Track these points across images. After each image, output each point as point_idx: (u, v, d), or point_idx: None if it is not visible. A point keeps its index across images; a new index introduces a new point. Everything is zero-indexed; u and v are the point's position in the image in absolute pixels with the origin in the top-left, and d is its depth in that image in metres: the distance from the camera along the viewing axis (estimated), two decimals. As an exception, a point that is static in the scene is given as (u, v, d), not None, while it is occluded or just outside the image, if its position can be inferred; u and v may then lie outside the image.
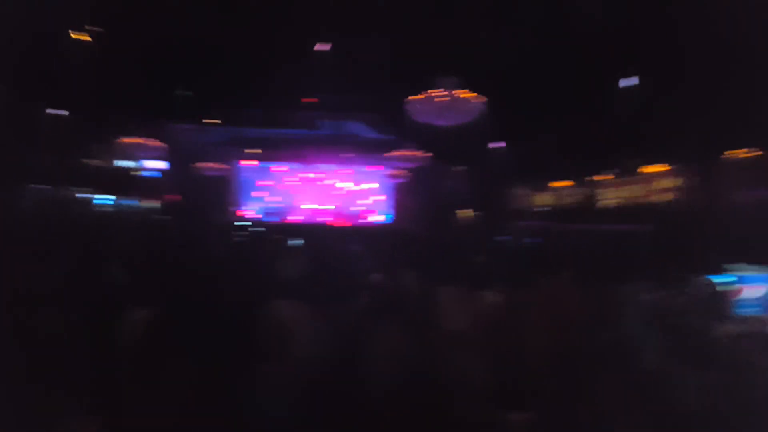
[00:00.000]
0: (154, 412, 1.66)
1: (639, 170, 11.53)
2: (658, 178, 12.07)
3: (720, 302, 4.45)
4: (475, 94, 6.71)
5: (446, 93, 6.42)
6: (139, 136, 13.18)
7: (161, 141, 14.03)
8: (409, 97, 6.80)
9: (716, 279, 5.74)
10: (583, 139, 10.71)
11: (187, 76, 11.75)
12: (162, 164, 18.83)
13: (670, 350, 2.56)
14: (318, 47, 8.65)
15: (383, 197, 18.91)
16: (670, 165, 11.31)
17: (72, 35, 9.14)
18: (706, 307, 3.97)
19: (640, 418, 1.92)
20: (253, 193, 19.60)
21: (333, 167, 18.37)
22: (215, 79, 11.14)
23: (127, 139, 13.13)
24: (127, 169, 19.43)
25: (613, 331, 2.83)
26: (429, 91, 6.66)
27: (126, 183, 18.29)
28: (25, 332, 1.75)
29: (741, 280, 6.23)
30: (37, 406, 1.61)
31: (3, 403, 1.59)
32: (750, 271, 5.79)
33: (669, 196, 11.03)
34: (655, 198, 11.29)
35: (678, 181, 11.22)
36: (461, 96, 6.39)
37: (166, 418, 1.65)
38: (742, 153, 9.37)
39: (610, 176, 13.10)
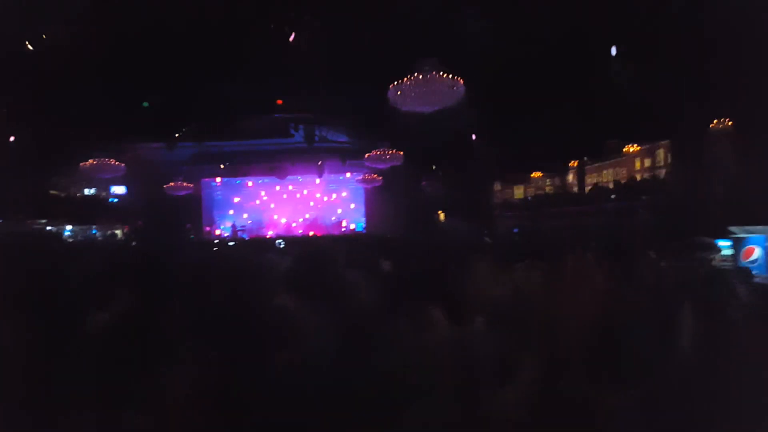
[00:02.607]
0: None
1: (624, 150, 11.39)
2: (642, 156, 12.00)
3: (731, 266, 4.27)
4: (454, 76, 6.38)
5: (426, 75, 6.07)
6: (102, 157, 12.53)
7: (125, 162, 13.40)
8: (391, 85, 6.42)
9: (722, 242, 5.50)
10: (564, 124, 10.52)
11: (150, 90, 11.16)
12: (126, 187, 18.14)
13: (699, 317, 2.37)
14: (287, 42, 8.16)
15: (356, 205, 18.63)
16: (653, 142, 11.23)
17: (28, 47, 8.49)
18: (719, 273, 3.74)
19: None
20: (225, 211, 19.08)
21: (305, 178, 17.98)
22: (179, 91, 10.60)
23: (89, 162, 12.45)
24: (91, 196, 18.66)
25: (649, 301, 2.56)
26: (408, 76, 6.30)
27: (90, 210, 17.51)
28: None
29: (747, 242, 6.02)
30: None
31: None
32: (754, 233, 5.61)
33: (658, 173, 10.93)
34: (644, 175, 11.17)
35: (664, 157, 11.14)
36: (441, 77, 6.05)
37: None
38: (721, 124, 9.29)
39: (593, 161, 12.98)
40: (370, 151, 12.44)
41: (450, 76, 6.20)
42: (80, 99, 9.79)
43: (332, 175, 17.66)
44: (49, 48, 8.71)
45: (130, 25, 8.23)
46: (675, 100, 9.04)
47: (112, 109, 10.71)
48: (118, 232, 18.30)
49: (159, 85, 10.34)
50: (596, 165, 13.81)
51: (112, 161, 12.35)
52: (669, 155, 11.64)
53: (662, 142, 12.05)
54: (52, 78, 9.14)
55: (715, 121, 8.92)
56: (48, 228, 16.17)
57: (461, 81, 6.25)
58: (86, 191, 18.84)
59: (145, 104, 9.96)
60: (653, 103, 9.46)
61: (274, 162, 16.07)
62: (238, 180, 18.56)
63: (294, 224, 18.45)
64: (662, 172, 11.42)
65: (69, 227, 17.23)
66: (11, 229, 14.35)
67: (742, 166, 7.98)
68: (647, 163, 12.82)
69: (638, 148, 11.60)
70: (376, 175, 15.32)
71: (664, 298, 2.61)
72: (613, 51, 6.95)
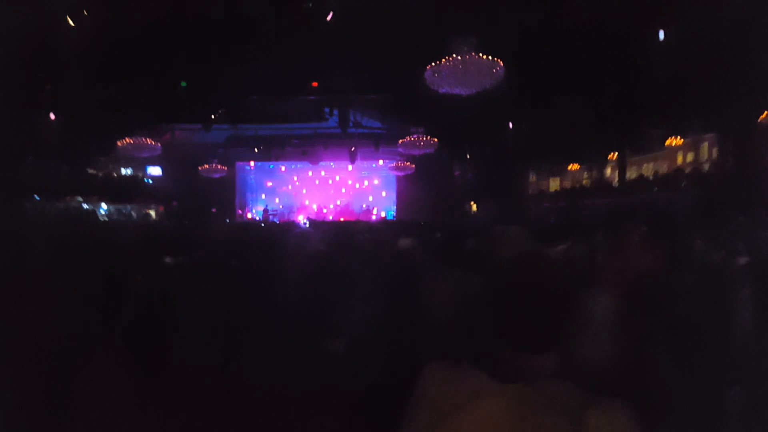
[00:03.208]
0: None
1: (666, 143, 10.95)
2: (685, 150, 11.53)
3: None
4: (493, 57, 6.19)
5: (465, 57, 5.90)
6: (139, 137, 12.75)
7: (162, 143, 13.61)
8: (428, 66, 6.26)
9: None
10: (605, 113, 10.17)
11: (187, 71, 11.25)
12: (162, 168, 18.47)
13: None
14: (324, 22, 8.06)
15: (387, 193, 18.57)
16: (698, 134, 10.76)
17: (70, 23, 8.62)
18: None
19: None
20: (257, 194, 19.28)
21: (338, 164, 17.98)
22: (216, 72, 10.64)
23: (127, 141, 12.68)
24: (127, 176, 19.06)
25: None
26: (447, 57, 6.13)
27: (125, 189, 17.89)
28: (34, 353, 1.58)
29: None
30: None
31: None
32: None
33: (702, 167, 10.47)
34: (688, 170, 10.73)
35: (708, 151, 10.68)
36: (480, 58, 5.87)
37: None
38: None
39: (633, 154, 12.54)
40: (403, 138, 12.32)
41: (489, 57, 6.02)
42: (120, 78, 9.94)
43: (365, 162, 17.61)
44: (90, 25, 8.84)
45: (169, 4, 8.28)
46: (723, 91, 8.63)
47: (150, 90, 10.86)
48: (152, 212, 18.70)
49: (196, 66, 10.42)
50: (636, 158, 13.35)
51: (149, 141, 12.55)
52: (714, 150, 11.16)
53: (707, 135, 11.55)
54: (93, 56, 9.29)
55: (765, 114, 8.48)
56: (84, 206, 16.63)
57: (501, 63, 6.05)
58: (123, 171, 19.26)
59: (184, 84, 10.01)
60: (700, 94, 9.06)
61: (307, 147, 16.09)
62: (271, 165, 18.71)
63: (325, 210, 18.52)
64: (706, 167, 10.96)
65: (104, 206, 17.65)
66: (48, 206, 14.83)
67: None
68: (690, 157, 12.33)
69: (681, 141, 11.13)
70: (408, 163, 15.19)
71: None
72: (661, 35, 6.59)
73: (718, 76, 8.21)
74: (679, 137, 10.97)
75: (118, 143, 12.84)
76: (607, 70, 9.06)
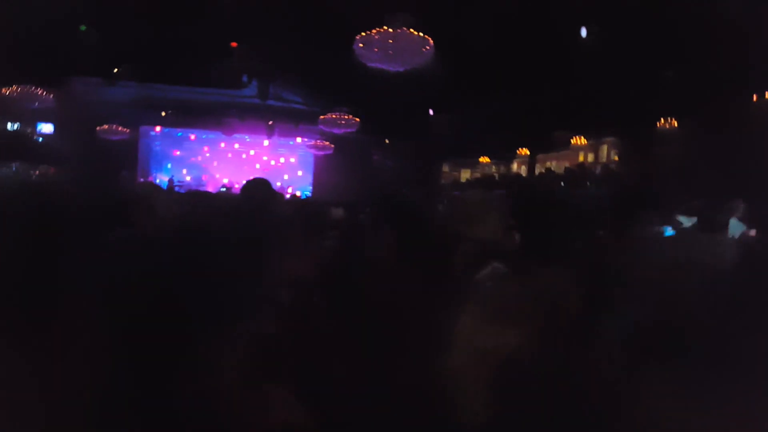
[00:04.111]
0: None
1: (573, 143, 11.67)
2: (587, 151, 12.35)
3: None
4: (425, 35, 6.21)
5: (396, 30, 5.86)
6: (28, 84, 11.47)
7: (56, 96, 12.35)
8: (357, 36, 6.15)
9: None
10: (519, 111, 10.62)
11: (90, 17, 10.22)
12: (54, 126, 16.81)
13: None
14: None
15: (303, 172, 18.23)
16: (601, 137, 11.57)
17: None
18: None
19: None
20: (163, 163, 18.13)
21: (253, 138, 17.33)
22: (123, 21, 9.76)
23: (13, 88, 11.37)
24: (14, 131, 17.17)
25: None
26: (378, 29, 6.06)
27: (12, 146, 16.08)
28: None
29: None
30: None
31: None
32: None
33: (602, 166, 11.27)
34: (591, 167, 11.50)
35: (608, 153, 11.51)
36: (412, 34, 5.87)
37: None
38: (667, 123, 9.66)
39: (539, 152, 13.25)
40: (324, 116, 12.13)
41: (420, 34, 6.03)
42: (10, 17, 8.84)
43: (282, 138, 17.12)
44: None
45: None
46: (626, 95, 9.32)
47: (43, 32, 9.74)
48: (42, 172, 16.99)
49: (102, 11, 9.49)
50: (541, 156, 14.15)
51: (39, 90, 11.32)
52: (613, 152, 12.08)
53: (607, 138, 12.49)
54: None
55: (662, 120, 9.29)
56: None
57: (431, 42, 6.09)
58: (9, 126, 17.32)
59: (83, 28, 9.09)
60: (606, 97, 9.71)
61: (221, 116, 15.30)
62: (179, 132, 17.63)
63: (236, 186, 17.82)
64: (605, 167, 11.84)
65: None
66: None
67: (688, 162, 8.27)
68: (591, 157, 13.26)
69: (585, 141, 11.96)
70: (327, 142, 14.98)
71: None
72: (583, 32, 6.96)
73: (622, 81, 8.85)
74: (582, 138, 11.78)
75: (4, 90, 11.48)
76: (525, 69, 9.46)
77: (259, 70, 11.22)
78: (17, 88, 11.56)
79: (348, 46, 7.28)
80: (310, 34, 8.95)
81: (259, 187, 2.68)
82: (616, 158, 11.34)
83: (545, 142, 12.40)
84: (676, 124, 9.21)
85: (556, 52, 8.70)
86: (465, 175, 15.66)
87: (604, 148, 12.22)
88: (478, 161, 14.67)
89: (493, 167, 14.80)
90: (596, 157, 12.44)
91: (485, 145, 13.16)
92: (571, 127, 12.04)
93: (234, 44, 9.50)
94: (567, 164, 12.50)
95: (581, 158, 12.65)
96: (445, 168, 16.20)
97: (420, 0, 6.84)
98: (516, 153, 13.47)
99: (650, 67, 8.08)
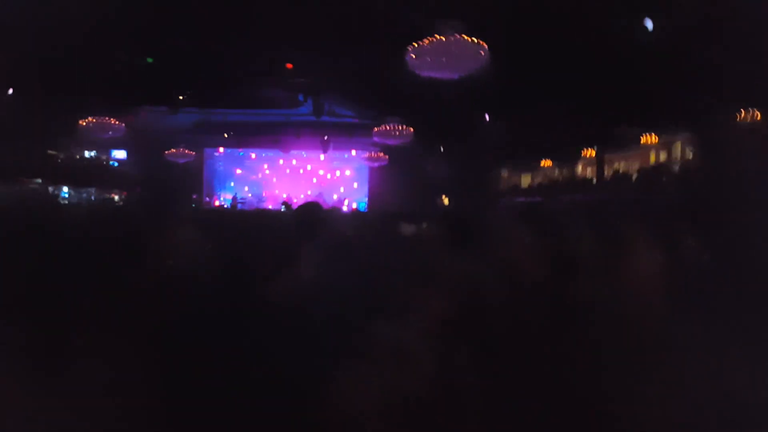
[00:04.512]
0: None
1: (642, 142, 10.99)
2: (658, 150, 11.61)
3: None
4: (478, 40, 5.99)
5: (449, 38, 5.69)
6: (103, 117, 12.17)
7: (127, 124, 13.03)
8: (409, 46, 6.02)
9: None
10: (587, 108, 10.11)
11: (154, 49, 10.72)
12: (126, 152, 17.77)
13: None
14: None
15: (358, 184, 18.32)
16: (673, 134, 10.84)
17: None
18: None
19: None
20: (226, 182, 18.77)
21: (310, 153, 17.62)
22: (184, 53, 10.17)
23: (89, 120, 12.09)
24: (90, 159, 18.27)
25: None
26: (428, 38, 5.91)
27: (88, 173, 17.11)
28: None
29: None
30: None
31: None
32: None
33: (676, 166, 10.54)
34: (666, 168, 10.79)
35: (681, 151, 10.76)
36: (466, 41, 5.67)
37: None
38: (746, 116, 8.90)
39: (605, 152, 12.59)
40: (379, 127, 12.08)
41: (474, 40, 5.82)
42: (83, 53, 9.40)
43: (337, 152, 17.30)
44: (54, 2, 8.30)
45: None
46: (700, 89, 8.65)
47: (115, 67, 10.33)
48: (116, 197, 17.97)
49: (165, 44, 9.93)
50: (607, 156, 13.42)
51: (113, 120, 11.98)
52: (687, 149, 11.27)
53: (680, 135, 11.67)
54: (54, 28, 8.74)
55: (742, 113, 8.55)
56: (44, 189, 15.81)
57: (485, 46, 5.87)
58: (86, 154, 18.45)
59: (150, 60, 9.53)
60: (676, 93, 9.08)
61: (279, 134, 15.67)
62: (241, 152, 18.22)
63: (295, 200, 18.14)
64: (679, 167, 11.06)
65: (65, 189, 16.85)
66: (4, 188, 14.02)
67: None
68: (663, 156, 12.42)
69: (656, 139, 11.21)
70: (381, 154, 14.96)
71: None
72: (649, 25, 6.51)
73: (695, 74, 8.22)
74: (653, 135, 11.04)
75: (81, 122, 12.23)
76: (587, 65, 9.00)
77: (313, 89, 11.35)
78: (93, 119, 12.26)
79: (398, 56, 7.19)
80: (361, 47, 8.93)
81: (309, 212, 2.77)
82: (692, 156, 10.55)
83: (612, 142, 11.76)
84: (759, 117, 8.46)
85: (619, 44, 8.24)
86: (526, 180, 15.12)
87: (678, 146, 11.40)
88: (540, 165, 14.09)
89: (556, 171, 14.19)
90: (669, 156, 11.63)
91: (546, 148, 12.64)
92: (640, 124, 11.36)
93: (289, 66, 9.65)
94: (638, 165, 11.79)
95: (653, 158, 11.87)
96: (504, 173, 15.71)
97: (469, 3, 6.65)
98: (580, 154, 12.82)
99: (727, 57, 7.46)
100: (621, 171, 11.91)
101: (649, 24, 6.42)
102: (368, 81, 10.29)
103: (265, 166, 18.65)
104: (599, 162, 12.03)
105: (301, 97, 11.98)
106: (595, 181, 12.05)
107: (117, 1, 8.53)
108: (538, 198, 11.84)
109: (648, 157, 12.37)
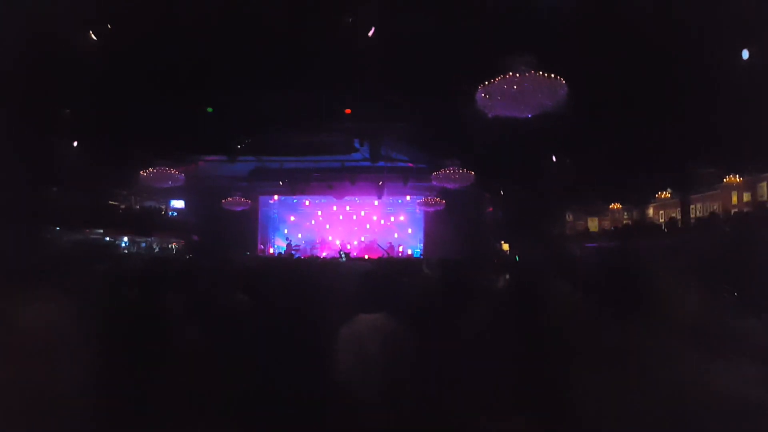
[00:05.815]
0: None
1: (726, 181, 10.12)
2: (740, 190, 10.70)
3: None
4: (553, 75, 5.57)
5: (522, 74, 5.30)
6: (163, 167, 12.38)
7: (185, 174, 13.22)
8: (480, 85, 5.67)
9: None
10: (654, 150, 9.44)
11: (212, 101, 10.89)
12: (184, 201, 18.13)
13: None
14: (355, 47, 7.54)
15: (412, 230, 17.93)
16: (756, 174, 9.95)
17: (88, 51, 8.28)
18: None
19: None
20: (280, 229, 18.77)
21: (363, 199, 17.43)
22: (241, 102, 10.25)
23: (150, 170, 12.30)
24: (149, 208, 18.75)
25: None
26: (500, 76, 5.53)
27: (147, 222, 17.50)
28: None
29: None
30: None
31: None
32: None
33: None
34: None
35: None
36: (541, 76, 5.27)
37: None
38: None
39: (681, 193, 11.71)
40: (434, 172, 11.73)
41: (549, 75, 5.41)
42: (144, 105, 9.58)
43: (391, 197, 17.02)
44: (113, 52, 8.50)
45: (194, 31, 7.91)
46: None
47: (175, 118, 10.49)
48: (174, 245, 18.27)
49: (223, 94, 10.03)
50: (677, 198, 12.51)
51: (173, 170, 12.14)
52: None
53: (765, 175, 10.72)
54: (117, 81, 8.96)
55: None
56: (105, 238, 16.21)
57: (562, 81, 5.44)
58: (146, 204, 18.98)
59: (210, 110, 9.60)
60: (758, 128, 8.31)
61: (333, 180, 15.56)
62: (295, 199, 18.24)
63: (348, 246, 17.87)
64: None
65: (125, 239, 17.24)
66: (67, 237, 14.41)
67: None
68: (746, 197, 11.44)
69: (740, 180, 10.31)
70: (438, 199, 14.54)
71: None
72: (745, 55, 5.92)
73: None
74: (737, 176, 10.17)
75: (141, 173, 12.47)
76: (660, 102, 8.41)
77: (373, 133, 11.18)
78: (154, 170, 12.47)
79: (463, 99, 6.86)
80: (420, 91, 8.69)
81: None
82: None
83: (688, 182, 10.93)
84: None
85: (697, 76, 7.62)
86: (592, 224, 14.28)
87: (765, 186, 10.46)
88: (608, 208, 13.27)
89: (625, 214, 13.33)
90: (754, 196, 10.67)
91: (617, 190, 11.88)
92: (719, 163, 10.53)
93: (348, 111, 9.51)
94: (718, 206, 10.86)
95: (734, 199, 10.93)
96: (569, 217, 14.93)
97: (539, 39, 6.28)
98: (653, 197, 11.97)
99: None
100: (707, 213, 11.00)
101: (745, 53, 5.80)
102: (429, 124, 10.01)
103: (319, 212, 18.58)
104: (683, 203, 11.16)
105: (357, 143, 11.81)
106: (680, 224, 11.15)
107: (176, 53, 8.65)
108: (610, 243, 11.01)
109: (730, 197, 11.43)
